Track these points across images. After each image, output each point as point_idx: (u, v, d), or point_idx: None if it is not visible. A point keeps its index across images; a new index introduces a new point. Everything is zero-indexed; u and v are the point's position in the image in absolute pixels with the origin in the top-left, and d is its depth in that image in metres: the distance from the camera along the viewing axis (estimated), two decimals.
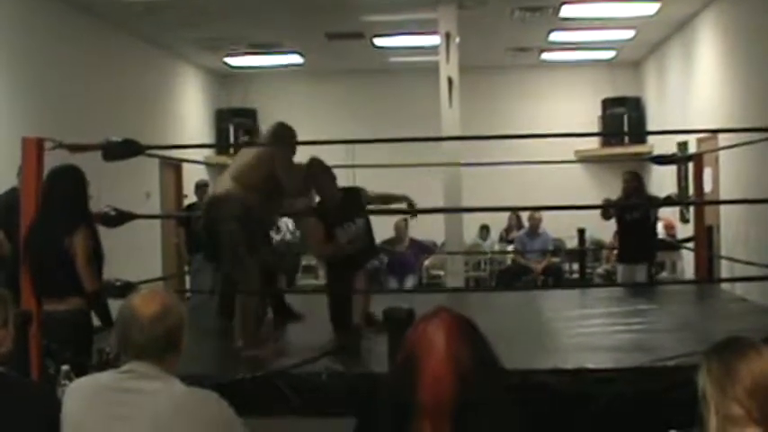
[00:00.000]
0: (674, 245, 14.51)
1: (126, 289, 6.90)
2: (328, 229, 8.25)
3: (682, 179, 15.28)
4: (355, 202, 8.46)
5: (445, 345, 2.52)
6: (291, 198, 8.47)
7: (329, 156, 16.57)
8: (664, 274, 15.93)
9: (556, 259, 16.70)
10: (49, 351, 5.95)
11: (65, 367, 4.55)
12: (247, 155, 8.04)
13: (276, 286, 9.45)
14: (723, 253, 12.65)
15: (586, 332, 8.46)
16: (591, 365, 6.54)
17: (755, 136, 10.02)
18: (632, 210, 11.69)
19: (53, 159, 7.11)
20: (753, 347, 2.97)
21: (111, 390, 3.42)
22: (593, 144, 19.28)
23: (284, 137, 8.28)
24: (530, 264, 16.17)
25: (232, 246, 7.43)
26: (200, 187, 13.36)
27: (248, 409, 4.07)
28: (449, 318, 2.60)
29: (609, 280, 15.64)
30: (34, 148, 7.04)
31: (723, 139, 12.52)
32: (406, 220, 15.57)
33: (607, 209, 11.84)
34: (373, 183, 15.99)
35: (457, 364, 2.50)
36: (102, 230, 7.03)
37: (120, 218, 7.18)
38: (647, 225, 11.84)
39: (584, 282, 14.20)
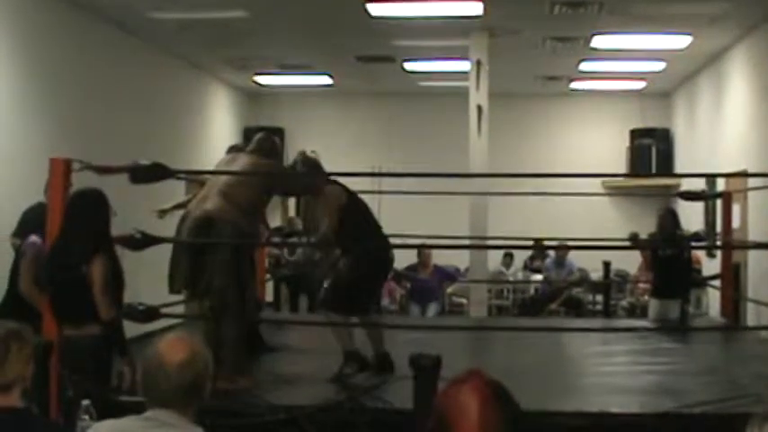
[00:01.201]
0: (699, 281, 14.39)
1: (149, 314, 6.88)
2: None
3: (709, 214, 15.17)
4: None
5: (478, 412, 2.46)
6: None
7: (355, 179, 16.53)
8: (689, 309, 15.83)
9: (579, 289, 16.63)
10: (68, 378, 5.92)
11: (85, 402, 4.49)
12: (237, 168, 7.75)
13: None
14: (750, 290, 12.57)
15: (610, 371, 8.39)
16: (615, 409, 6.46)
17: None
18: (665, 248, 11.62)
19: (82, 175, 7.15)
20: None
21: None
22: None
23: (275, 149, 8.14)
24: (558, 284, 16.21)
25: (223, 278, 7.22)
26: None
27: None
28: (481, 384, 2.53)
29: (633, 313, 15.55)
30: (61, 170, 7.06)
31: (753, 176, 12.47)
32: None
33: (638, 242, 11.80)
34: (399, 208, 16.07)
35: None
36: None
37: (145, 241, 7.15)
38: (681, 261, 11.65)
39: (608, 314, 14.10)
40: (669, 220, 11.67)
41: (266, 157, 7.92)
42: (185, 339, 3.51)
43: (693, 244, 12.79)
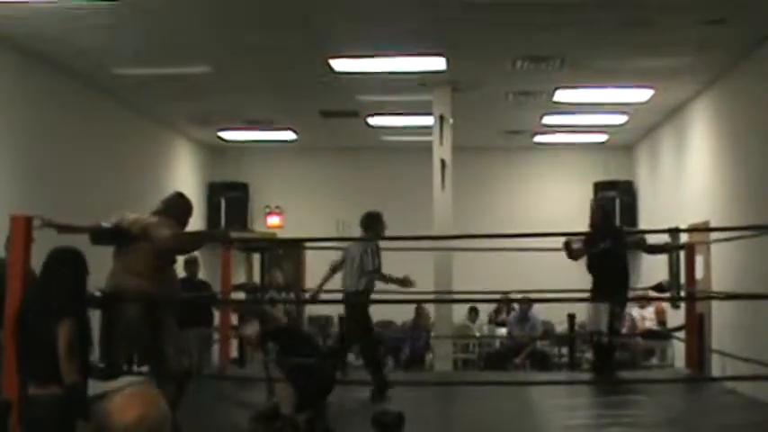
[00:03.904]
0: (664, 334, 14.43)
1: (110, 372, 6.82)
2: None
3: (673, 265, 15.22)
4: None
5: None
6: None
7: (321, 233, 16.52)
8: (653, 361, 15.83)
9: (544, 342, 16.57)
10: None
11: None
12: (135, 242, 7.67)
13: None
14: (714, 340, 12.58)
15: (575, 424, 8.38)
16: None
17: (748, 229, 10.05)
18: (599, 242, 11.27)
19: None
20: None
21: None
22: (584, 227, 19.17)
23: (182, 209, 8.03)
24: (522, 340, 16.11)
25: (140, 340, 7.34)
26: (190, 263, 13.25)
27: None
28: None
29: None
30: (22, 227, 7.01)
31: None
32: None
33: (571, 249, 11.48)
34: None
35: None
36: None
37: (107, 298, 7.12)
38: (616, 256, 11.28)
39: (573, 367, 14.07)
40: (600, 215, 11.54)
41: (170, 217, 7.82)
42: (140, 396, 3.24)
43: (656, 294, 12.77)
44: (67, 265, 6.44)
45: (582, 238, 11.53)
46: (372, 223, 10.65)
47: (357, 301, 10.20)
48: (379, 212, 10.91)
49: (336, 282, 10.84)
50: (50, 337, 6.07)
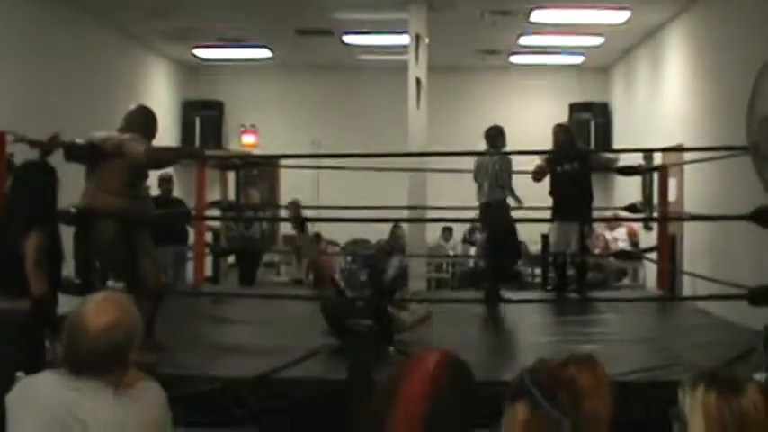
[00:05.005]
0: (636, 255, 14.53)
1: (84, 288, 6.83)
2: None
3: (646, 188, 15.31)
4: None
5: (430, 370, 2.49)
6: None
7: (296, 151, 16.44)
8: (625, 281, 15.98)
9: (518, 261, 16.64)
10: (2, 351, 5.86)
11: (18, 374, 4.43)
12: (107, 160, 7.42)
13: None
14: (686, 261, 12.69)
15: (548, 341, 8.47)
16: None
17: (721, 149, 10.08)
18: (564, 161, 11.28)
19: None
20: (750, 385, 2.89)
21: (53, 399, 3.18)
22: None
23: (139, 121, 7.67)
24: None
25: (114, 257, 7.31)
26: (164, 181, 13.25)
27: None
28: (441, 353, 2.56)
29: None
30: None
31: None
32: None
33: (538, 171, 11.45)
34: (338, 182, 16.04)
35: (434, 386, 2.47)
36: None
37: (80, 216, 7.10)
38: (581, 178, 11.26)
39: (547, 287, 14.14)
40: (562, 138, 11.52)
41: (136, 131, 7.53)
42: (113, 301, 3.30)
43: (630, 215, 12.80)
44: (38, 177, 6.43)
45: (546, 157, 11.57)
46: (497, 137, 10.78)
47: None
48: (501, 126, 11.07)
49: None
50: (19, 249, 6.08)
